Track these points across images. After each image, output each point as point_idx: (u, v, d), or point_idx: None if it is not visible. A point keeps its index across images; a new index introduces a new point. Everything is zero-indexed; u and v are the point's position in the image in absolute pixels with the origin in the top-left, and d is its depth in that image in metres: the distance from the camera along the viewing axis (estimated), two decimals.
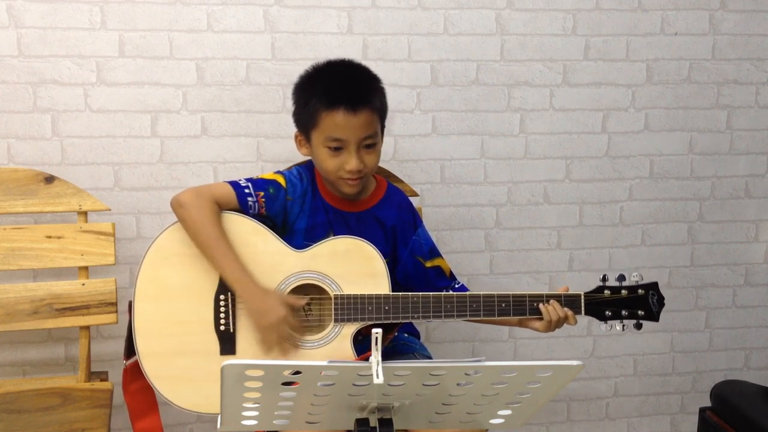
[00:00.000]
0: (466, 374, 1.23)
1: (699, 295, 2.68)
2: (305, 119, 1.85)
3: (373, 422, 1.30)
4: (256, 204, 1.86)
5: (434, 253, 1.99)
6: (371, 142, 1.83)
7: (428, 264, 1.96)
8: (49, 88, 2.22)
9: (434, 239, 2.04)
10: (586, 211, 2.55)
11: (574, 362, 1.21)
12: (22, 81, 2.20)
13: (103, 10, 2.20)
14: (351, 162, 1.80)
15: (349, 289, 1.80)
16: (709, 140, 2.58)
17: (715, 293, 2.68)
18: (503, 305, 1.82)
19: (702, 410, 2.37)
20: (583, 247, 2.57)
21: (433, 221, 2.43)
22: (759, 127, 2.60)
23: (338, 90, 1.80)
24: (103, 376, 2.17)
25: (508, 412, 1.34)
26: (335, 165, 1.82)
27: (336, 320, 1.79)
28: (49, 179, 2.13)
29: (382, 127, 1.90)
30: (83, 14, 2.20)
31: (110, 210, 2.18)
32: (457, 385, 1.26)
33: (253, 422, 1.31)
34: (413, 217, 1.99)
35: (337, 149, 1.81)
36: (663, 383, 2.72)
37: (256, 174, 1.98)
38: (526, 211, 2.52)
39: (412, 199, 2.08)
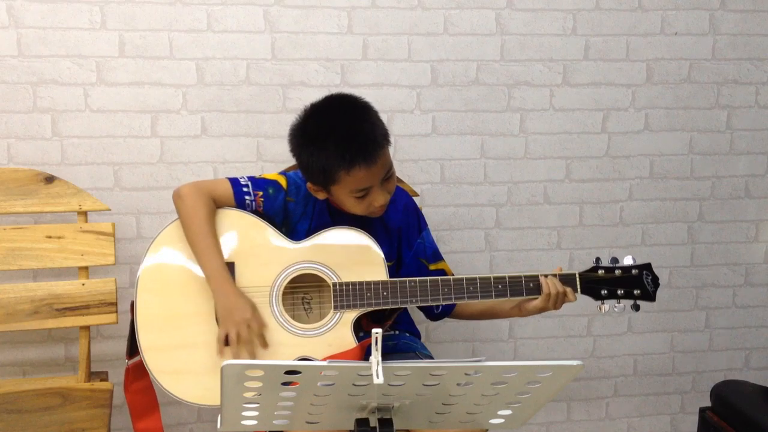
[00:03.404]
0: (466, 374, 1.23)
1: (699, 295, 2.68)
2: (322, 178, 1.80)
3: (373, 422, 1.31)
4: (254, 203, 1.87)
5: (437, 256, 2.00)
6: (390, 174, 1.83)
7: (432, 267, 1.98)
8: (49, 88, 2.22)
9: (434, 239, 2.04)
10: (586, 211, 2.55)
11: (574, 362, 1.21)
12: (22, 81, 2.20)
13: (103, 10, 2.20)
14: (379, 199, 1.81)
15: (347, 278, 1.82)
16: (709, 140, 2.58)
17: (715, 293, 2.68)
18: (500, 286, 1.83)
19: (702, 410, 2.37)
20: (583, 247, 2.57)
21: (433, 221, 2.43)
22: (759, 127, 2.60)
23: (350, 148, 1.74)
24: (103, 376, 2.17)
25: (508, 412, 1.34)
26: (363, 206, 1.82)
27: (336, 308, 1.81)
28: (49, 179, 2.13)
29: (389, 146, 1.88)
30: (83, 14, 2.20)
31: (110, 210, 2.18)
32: (457, 385, 1.26)
33: (253, 422, 1.31)
34: (418, 220, 2.00)
35: (364, 195, 1.80)
36: (663, 383, 2.72)
37: (256, 174, 1.98)
38: (526, 211, 2.52)
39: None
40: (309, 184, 1.86)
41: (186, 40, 2.25)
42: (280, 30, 2.29)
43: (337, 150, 1.75)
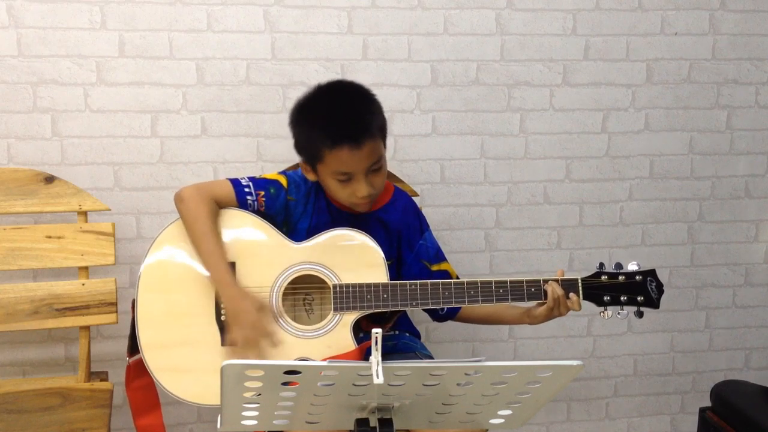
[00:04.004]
0: (466, 374, 1.23)
1: (699, 295, 2.68)
2: (309, 154, 1.84)
3: (373, 422, 1.30)
4: (256, 202, 1.88)
5: (440, 256, 2.00)
6: (377, 167, 1.83)
7: (434, 268, 1.97)
8: (49, 88, 2.22)
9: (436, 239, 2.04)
10: (586, 211, 2.55)
11: (574, 362, 1.21)
12: (22, 81, 2.20)
13: (103, 10, 2.20)
14: (361, 189, 1.81)
15: (348, 279, 1.82)
16: (709, 140, 2.58)
17: (715, 293, 2.68)
18: (501, 291, 1.82)
19: (702, 410, 2.37)
20: (583, 247, 2.57)
21: (433, 221, 2.42)
22: (759, 127, 2.60)
23: (339, 127, 1.77)
24: (103, 376, 2.18)
25: (508, 412, 1.34)
26: (346, 193, 1.83)
27: (335, 309, 1.81)
28: (49, 179, 2.13)
29: (385, 142, 1.89)
30: (83, 14, 2.20)
31: (110, 210, 2.18)
32: (457, 385, 1.26)
33: (253, 422, 1.31)
34: (419, 222, 2.00)
35: (347, 180, 1.81)
36: (663, 383, 2.72)
37: (257, 174, 1.98)
38: (526, 211, 2.52)
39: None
40: (301, 163, 1.89)
41: (186, 40, 2.25)
42: (280, 30, 2.29)
43: (326, 126, 1.77)
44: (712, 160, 2.59)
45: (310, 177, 1.89)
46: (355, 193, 1.82)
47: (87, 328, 2.13)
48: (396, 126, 2.38)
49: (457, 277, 2.00)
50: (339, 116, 1.79)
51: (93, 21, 2.20)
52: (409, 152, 2.41)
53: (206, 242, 1.80)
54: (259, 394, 1.24)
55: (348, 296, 1.81)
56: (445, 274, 1.97)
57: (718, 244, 2.65)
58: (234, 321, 1.76)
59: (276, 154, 2.32)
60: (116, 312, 2.12)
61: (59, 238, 2.10)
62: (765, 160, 2.62)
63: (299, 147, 1.87)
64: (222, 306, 1.80)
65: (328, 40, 2.32)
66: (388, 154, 2.37)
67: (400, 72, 2.37)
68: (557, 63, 2.44)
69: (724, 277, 2.68)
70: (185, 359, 1.79)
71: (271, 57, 2.30)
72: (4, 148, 2.22)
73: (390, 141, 2.37)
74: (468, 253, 2.50)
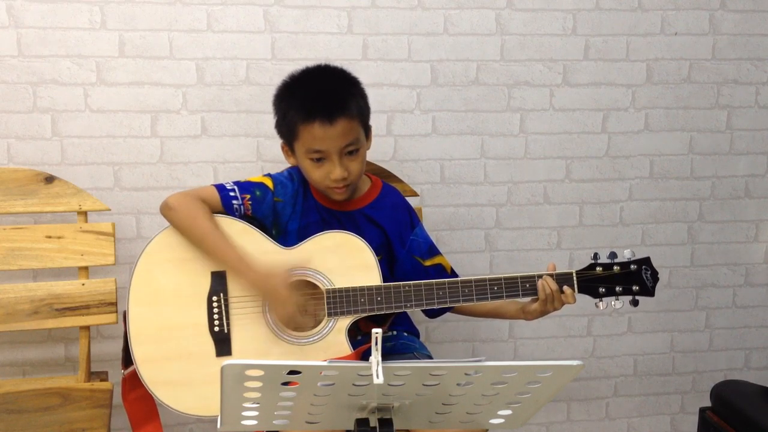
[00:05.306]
0: (466, 374, 1.23)
1: (699, 295, 2.68)
2: (286, 131, 1.87)
3: (373, 422, 1.31)
4: (242, 206, 1.86)
5: (434, 251, 1.99)
6: (353, 149, 1.83)
7: (428, 262, 1.96)
8: (49, 88, 2.22)
9: (434, 239, 2.04)
10: (586, 211, 2.55)
11: (574, 362, 1.21)
12: (22, 81, 2.20)
13: (103, 10, 2.20)
14: (335, 171, 1.81)
15: (341, 283, 1.80)
16: (709, 140, 2.58)
17: (715, 293, 2.68)
18: (495, 288, 1.81)
19: (702, 410, 2.36)
20: (583, 247, 2.57)
21: (433, 221, 2.43)
22: (759, 127, 2.60)
23: (313, 101, 1.80)
24: (103, 376, 2.17)
25: (508, 412, 1.34)
26: (320, 175, 1.83)
27: (329, 314, 1.80)
28: (49, 179, 2.13)
29: (366, 129, 1.89)
30: (83, 14, 2.20)
31: (110, 210, 2.18)
32: (457, 385, 1.26)
33: (253, 422, 1.31)
34: (410, 217, 1.99)
35: (320, 159, 1.82)
36: (663, 383, 2.72)
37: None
38: (526, 211, 2.52)
39: (412, 199, 2.08)
40: (281, 145, 1.91)
41: (186, 40, 2.25)
42: (280, 30, 2.29)
43: (302, 101, 1.81)
44: (712, 160, 2.59)
45: (291, 161, 1.91)
46: (329, 176, 1.82)
47: (87, 328, 2.13)
48: (396, 126, 2.38)
49: (452, 270, 2.00)
50: (318, 93, 1.82)
51: (93, 21, 2.20)
52: (409, 152, 2.41)
53: (210, 237, 1.78)
54: (259, 394, 1.24)
55: (341, 301, 1.79)
56: (439, 268, 1.97)
57: (718, 244, 2.65)
58: (272, 304, 1.77)
59: (276, 154, 2.31)
60: (116, 312, 2.12)
61: (59, 238, 2.10)
62: (765, 160, 2.62)
63: (279, 126, 1.89)
64: (246, 286, 1.79)
65: (328, 40, 2.32)
66: (388, 154, 2.38)
67: (400, 72, 2.37)
68: (557, 63, 2.44)
69: (724, 277, 2.68)
70: (181, 372, 1.77)
71: (271, 57, 2.30)
72: (4, 148, 2.22)
73: (390, 141, 2.38)
74: (468, 253, 2.50)
